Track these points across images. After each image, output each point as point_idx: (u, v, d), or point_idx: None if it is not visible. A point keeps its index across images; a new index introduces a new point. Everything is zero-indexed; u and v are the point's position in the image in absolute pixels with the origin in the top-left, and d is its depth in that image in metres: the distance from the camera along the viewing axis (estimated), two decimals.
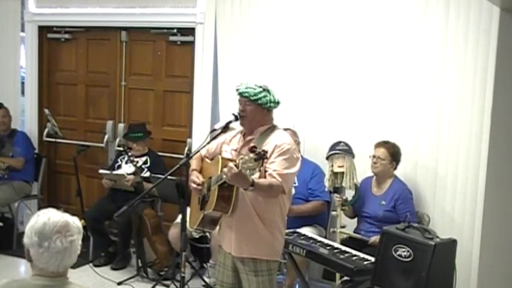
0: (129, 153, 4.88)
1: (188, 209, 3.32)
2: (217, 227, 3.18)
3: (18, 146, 5.49)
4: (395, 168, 4.10)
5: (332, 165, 4.09)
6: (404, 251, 3.12)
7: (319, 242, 3.73)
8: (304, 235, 3.85)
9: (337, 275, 3.83)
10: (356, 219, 4.23)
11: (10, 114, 5.58)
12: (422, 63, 4.12)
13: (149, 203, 4.96)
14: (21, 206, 5.59)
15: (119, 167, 5.07)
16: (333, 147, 4.14)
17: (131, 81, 5.62)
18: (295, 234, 3.84)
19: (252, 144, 2.76)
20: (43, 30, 5.88)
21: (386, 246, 3.21)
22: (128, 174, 4.79)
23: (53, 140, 5.74)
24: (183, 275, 3.25)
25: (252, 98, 2.95)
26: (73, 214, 2.10)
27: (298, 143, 4.18)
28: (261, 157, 2.59)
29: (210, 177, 3.02)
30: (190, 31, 5.17)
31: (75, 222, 2.06)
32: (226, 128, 3.05)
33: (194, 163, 3.20)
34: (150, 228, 4.77)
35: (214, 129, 3.11)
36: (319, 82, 4.55)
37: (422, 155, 4.17)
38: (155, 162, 5.03)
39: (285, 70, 4.65)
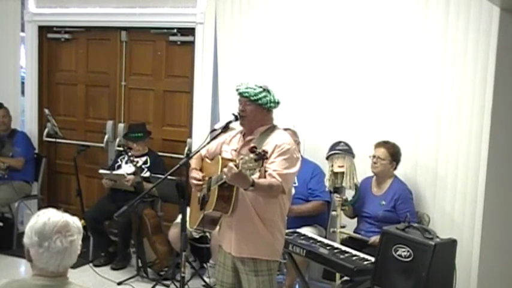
0: (129, 153, 4.88)
1: (188, 209, 3.32)
2: (217, 227, 3.18)
3: (18, 146, 5.49)
4: (395, 168, 4.10)
5: (332, 165, 4.09)
6: (404, 251, 3.12)
7: (319, 242, 3.73)
8: (304, 235, 3.85)
9: (337, 275, 3.83)
10: (356, 219, 4.23)
11: (10, 114, 5.58)
12: (422, 63, 4.12)
13: (149, 203, 4.96)
14: (21, 206, 5.59)
15: (119, 167, 5.07)
16: (333, 147, 4.14)
17: (131, 81, 5.62)
18: (295, 234, 3.84)
19: (252, 145, 2.76)
20: (43, 30, 5.88)
21: (386, 246, 3.21)
22: (128, 174, 4.79)
23: (53, 140, 5.74)
24: (183, 275, 3.25)
25: (252, 98, 2.95)
26: (73, 214, 2.10)
27: (298, 143, 4.18)
28: (261, 157, 2.59)
29: (210, 177, 3.02)
30: (190, 31, 5.17)
31: (75, 222, 2.06)
32: (226, 128, 3.05)
33: (194, 163, 3.20)
34: (150, 228, 4.77)
35: (214, 129, 3.11)
36: (319, 82, 4.55)
37: (422, 155, 4.17)
38: (155, 162, 5.03)
39: (285, 70, 4.65)
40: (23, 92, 6.04)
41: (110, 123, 5.68)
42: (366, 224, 4.08)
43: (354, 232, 4.11)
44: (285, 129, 3.27)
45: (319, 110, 4.57)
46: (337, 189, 4.08)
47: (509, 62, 3.47)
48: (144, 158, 5.04)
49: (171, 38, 5.33)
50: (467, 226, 3.92)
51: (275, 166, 2.85)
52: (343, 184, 4.05)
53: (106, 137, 5.65)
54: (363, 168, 4.20)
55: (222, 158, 2.98)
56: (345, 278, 3.59)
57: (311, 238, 3.80)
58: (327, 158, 4.15)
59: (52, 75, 5.97)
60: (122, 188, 4.90)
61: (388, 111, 4.29)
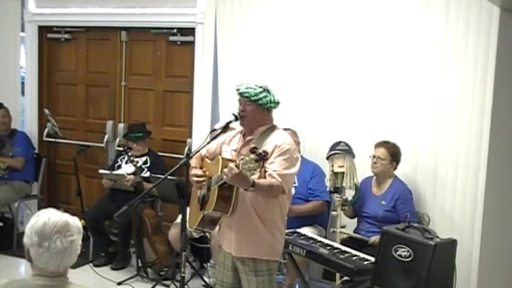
0: (129, 153, 4.88)
1: (188, 209, 3.32)
2: (217, 227, 3.18)
3: (18, 146, 5.49)
4: (395, 168, 4.10)
5: (332, 165, 4.09)
6: (404, 251, 3.12)
7: (319, 242, 3.73)
8: (304, 235, 3.85)
9: (337, 275, 3.83)
10: (356, 219, 4.23)
11: (10, 114, 5.58)
12: (422, 63, 4.12)
13: (149, 203, 4.96)
14: (21, 206, 5.59)
15: (119, 167, 5.07)
16: (333, 147, 4.14)
17: (131, 81, 5.62)
18: (295, 234, 3.84)
19: (252, 145, 2.76)
20: (43, 30, 5.88)
21: (386, 246, 3.21)
22: (128, 174, 4.79)
23: (53, 140, 5.74)
24: (183, 275, 3.25)
25: (252, 98, 2.95)
26: (73, 214, 2.10)
27: (298, 143, 4.18)
28: (262, 158, 2.59)
29: (210, 178, 3.02)
30: (190, 31, 5.17)
31: (75, 222, 2.06)
32: (226, 128, 3.05)
33: (194, 162, 3.20)
34: (150, 228, 4.77)
35: (214, 129, 3.11)
36: (319, 82, 4.55)
37: (422, 155, 4.17)
38: (155, 162, 5.03)
39: (285, 70, 4.65)
40: (23, 92, 6.04)
41: (110, 123, 5.68)
42: (366, 224, 4.08)
43: (354, 232, 4.11)
44: (285, 129, 3.27)
45: (319, 110, 4.57)
46: (337, 189, 4.08)
47: (509, 62, 3.47)
48: (144, 158, 5.04)
49: (171, 38, 5.33)
50: (467, 226, 3.92)
51: (275, 166, 2.85)
52: (343, 184, 4.06)
53: (106, 137, 5.65)
54: (363, 168, 4.20)
55: (222, 158, 2.98)
56: (345, 278, 3.59)
57: (311, 238, 3.80)
58: (327, 158, 4.15)
59: (52, 75, 5.97)
60: (122, 188, 4.90)
61: (388, 111, 4.29)
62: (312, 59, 4.56)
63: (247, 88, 2.97)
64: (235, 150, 3.06)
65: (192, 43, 5.16)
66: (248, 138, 3.04)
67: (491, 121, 3.61)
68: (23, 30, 5.91)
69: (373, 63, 4.32)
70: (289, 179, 2.94)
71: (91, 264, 4.88)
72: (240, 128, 3.12)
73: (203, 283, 4.51)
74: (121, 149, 5.31)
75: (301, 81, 4.61)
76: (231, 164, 2.68)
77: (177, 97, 5.42)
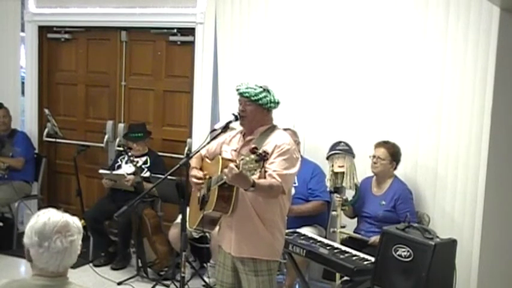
0: (129, 153, 4.88)
1: (188, 209, 3.32)
2: (217, 227, 3.18)
3: (18, 146, 5.49)
4: (395, 168, 4.10)
5: (332, 165, 4.09)
6: (404, 251, 3.12)
7: (319, 242, 3.73)
8: (304, 235, 3.85)
9: (337, 275, 3.83)
10: (356, 219, 4.23)
11: (10, 114, 5.58)
12: (423, 63, 4.12)
13: (149, 203, 4.96)
14: (21, 206, 5.59)
15: (119, 167, 5.07)
16: (333, 147, 4.14)
17: (131, 81, 5.62)
18: (295, 234, 3.84)
19: (253, 146, 2.76)
20: (43, 30, 5.88)
21: (386, 246, 3.21)
22: (128, 174, 4.79)
23: (53, 140, 5.74)
24: (183, 275, 3.25)
25: (252, 98, 2.95)
26: (73, 214, 2.09)
27: (298, 143, 4.18)
28: (262, 158, 2.59)
29: (210, 178, 3.02)
30: (190, 31, 5.17)
31: (75, 222, 2.06)
32: (226, 128, 3.05)
33: (194, 162, 3.20)
34: (150, 228, 4.77)
35: (214, 129, 3.11)
36: (319, 82, 4.55)
37: (422, 155, 4.17)
38: (155, 162, 5.03)
39: (285, 70, 4.65)
40: (23, 92, 6.04)
41: (110, 123, 5.68)
42: (366, 224, 4.08)
43: (354, 232, 4.11)
44: (285, 129, 3.28)
45: (319, 110, 4.57)
46: (337, 189, 4.08)
47: (509, 62, 3.47)
48: (144, 158, 5.04)
49: (171, 38, 5.33)
50: (467, 226, 3.92)
51: (275, 166, 2.85)
52: (344, 184, 4.06)
53: (106, 137, 5.65)
54: (363, 168, 4.20)
55: (222, 158, 2.98)
56: (345, 278, 3.59)
57: (311, 238, 3.80)
58: (327, 158, 4.15)
59: (52, 75, 5.97)
60: (122, 188, 4.90)
61: (388, 111, 4.29)
62: (312, 59, 4.56)
63: (247, 88, 2.97)
64: (235, 150, 3.06)
65: (192, 43, 5.16)
66: (248, 138, 3.04)
67: (491, 121, 3.61)
68: (23, 30, 5.91)
69: (373, 63, 4.32)
70: (289, 179, 2.94)
71: (91, 264, 4.88)
72: (240, 128, 3.12)
73: (203, 283, 4.51)
74: (121, 149, 5.31)
75: (301, 81, 4.61)
76: (231, 164, 2.68)
77: (177, 97, 5.42)
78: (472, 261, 3.84)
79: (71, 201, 5.76)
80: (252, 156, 2.59)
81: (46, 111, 5.71)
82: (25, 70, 6.00)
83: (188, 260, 4.50)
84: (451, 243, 3.20)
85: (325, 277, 4.12)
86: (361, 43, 4.35)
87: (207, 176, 3.08)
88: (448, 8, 3.98)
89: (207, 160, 3.19)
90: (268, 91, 2.99)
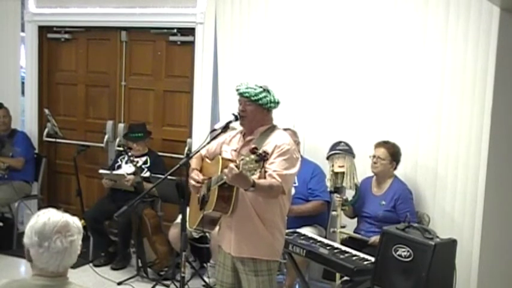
0: (129, 153, 4.88)
1: (188, 209, 3.32)
2: (217, 227, 3.18)
3: (18, 146, 5.49)
4: (395, 168, 4.10)
5: (332, 165, 4.09)
6: (404, 251, 3.12)
7: (319, 242, 3.73)
8: (304, 235, 3.85)
9: (337, 275, 3.83)
10: (356, 219, 4.23)
11: (10, 114, 5.58)
12: (423, 64, 4.12)
13: (149, 203, 4.96)
14: (21, 206, 5.59)
15: (119, 167, 5.07)
16: (333, 147, 4.14)
17: (131, 81, 5.62)
18: (295, 234, 3.84)
19: (253, 146, 2.76)
20: (43, 30, 5.88)
21: (386, 246, 3.21)
22: (128, 174, 4.79)
23: (53, 140, 5.74)
24: (183, 275, 3.25)
25: (252, 98, 2.95)
26: (73, 214, 2.09)
27: (298, 143, 4.18)
28: (262, 158, 2.59)
29: (210, 178, 3.02)
30: (190, 31, 5.17)
31: (75, 222, 2.06)
32: (226, 128, 3.05)
33: (194, 163, 3.20)
34: (150, 228, 4.77)
35: (214, 129, 3.11)
36: (319, 82, 4.55)
37: (422, 155, 4.16)
38: (155, 162, 5.03)
39: (285, 70, 4.65)
40: (23, 92, 6.04)
41: (110, 123, 5.68)
42: (366, 224, 4.08)
43: (354, 232, 4.11)
44: (285, 129, 3.28)
45: (319, 110, 4.57)
46: (338, 189, 4.08)
47: (509, 62, 3.47)
48: (144, 158, 5.04)
49: (171, 38, 5.33)
50: (467, 226, 3.92)
51: (275, 167, 2.85)
52: (344, 184, 4.06)
53: (106, 137, 5.65)
54: (363, 168, 4.20)
55: (222, 158, 2.98)
56: (345, 278, 3.59)
57: (311, 238, 3.80)
58: (327, 158, 4.15)
59: (52, 75, 5.97)
60: (122, 188, 4.90)
61: (388, 111, 4.29)
62: (312, 59, 4.56)
63: (247, 88, 2.97)
64: (235, 150, 3.06)
65: (192, 43, 5.16)
66: (248, 138, 3.04)
67: (491, 121, 3.61)
68: (23, 30, 5.91)
69: (373, 63, 4.32)
70: (289, 180, 2.94)
71: (91, 264, 4.88)
72: (240, 128, 3.12)
73: (203, 283, 4.51)
74: (121, 149, 5.31)
75: (301, 81, 4.61)
76: (231, 164, 2.68)
77: (177, 97, 5.42)
78: (472, 261, 3.83)
79: (71, 201, 5.76)
80: (252, 156, 2.59)
81: (46, 111, 5.71)
82: (25, 70, 6.00)
83: (188, 260, 4.50)
84: (451, 243, 3.20)
85: (325, 277, 4.12)
86: (361, 43, 4.35)
87: (205, 182, 3.07)
88: (448, 8, 3.98)
89: (207, 160, 3.19)
90: (268, 91, 2.99)
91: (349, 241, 3.97)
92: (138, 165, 4.85)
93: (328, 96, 4.52)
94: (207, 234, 4.30)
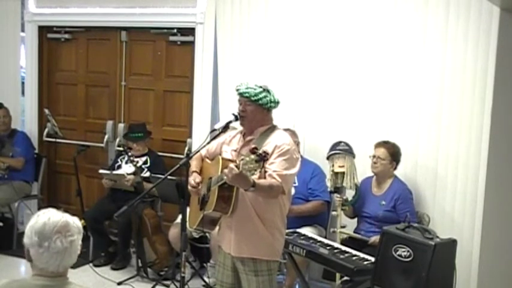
0: (129, 153, 4.87)
1: (188, 209, 3.32)
2: (217, 227, 3.18)
3: (18, 146, 5.49)
4: (395, 168, 4.10)
5: (333, 165, 4.09)
6: (404, 251, 3.12)
7: (319, 242, 3.73)
8: (304, 235, 3.85)
9: (337, 275, 3.83)
10: (356, 219, 4.23)
11: (10, 114, 5.58)
12: (423, 64, 4.12)
13: (149, 203, 4.96)
14: (21, 206, 5.59)
15: (119, 167, 5.07)
16: (333, 147, 4.14)
17: (131, 81, 5.62)
18: (295, 234, 3.84)
19: (253, 146, 2.76)
20: (43, 30, 5.88)
21: (386, 246, 3.21)
22: (128, 174, 4.79)
23: (53, 140, 5.74)
24: (183, 275, 3.25)
25: (252, 98, 2.95)
26: (73, 214, 2.09)
27: (297, 143, 4.18)
28: (262, 158, 2.59)
29: (210, 178, 3.02)
30: (190, 31, 5.17)
31: (75, 222, 2.06)
32: (226, 128, 3.05)
33: (194, 163, 3.20)
34: (150, 228, 4.77)
35: (214, 129, 3.11)
36: (319, 82, 4.55)
37: (422, 155, 4.16)
38: (155, 162, 5.03)
39: (285, 70, 4.65)
40: (23, 92, 6.04)
41: (110, 123, 5.68)
42: (366, 224, 4.08)
43: (354, 232, 4.11)
44: (285, 129, 3.27)
45: (319, 110, 4.57)
46: (338, 189, 4.08)
47: (509, 62, 3.47)
48: (144, 158, 5.04)
49: (171, 38, 5.33)
50: (467, 226, 3.92)
51: (275, 167, 2.85)
52: (344, 184, 4.06)
53: (106, 137, 5.65)
54: (363, 168, 4.20)
55: (223, 159, 2.98)
56: (345, 278, 3.59)
57: (311, 238, 3.80)
58: (328, 158, 4.15)
59: (52, 75, 5.97)
60: (122, 188, 4.90)
61: (388, 111, 4.29)
62: (312, 59, 4.55)
63: (247, 88, 2.97)
64: (235, 151, 3.06)
65: (192, 43, 5.16)
66: (248, 138, 3.04)
67: (491, 121, 3.61)
68: (23, 30, 5.90)
69: (373, 63, 4.32)
70: (289, 180, 2.94)
71: (91, 264, 4.88)
72: (240, 128, 3.12)
73: (203, 283, 4.51)
74: (121, 149, 5.31)
75: (301, 81, 4.61)
76: (231, 165, 2.68)
77: (177, 97, 5.42)
78: (472, 261, 3.83)
79: (71, 201, 5.76)
80: (252, 156, 2.59)
81: (46, 111, 5.71)
82: (25, 70, 6.00)
83: (188, 260, 4.50)
84: (451, 243, 3.20)
85: (325, 277, 4.12)
86: (361, 43, 4.35)
87: (204, 185, 3.07)
88: (448, 8, 3.98)
89: (207, 160, 3.19)
90: (268, 91, 2.99)
91: (349, 241, 3.97)
92: (138, 165, 4.85)
93: (328, 96, 4.52)
94: (207, 234, 4.30)
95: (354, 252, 3.53)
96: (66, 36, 5.81)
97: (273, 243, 3.00)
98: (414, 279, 3.05)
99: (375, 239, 3.84)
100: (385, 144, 4.07)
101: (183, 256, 3.19)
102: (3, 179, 5.29)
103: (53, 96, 5.98)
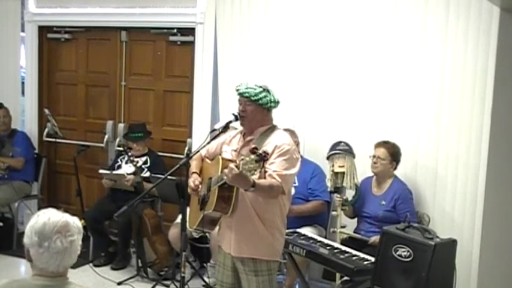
0: (129, 153, 4.88)
1: (188, 209, 3.32)
2: (217, 227, 3.18)
3: (18, 146, 5.49)
4: (395, 168, 4.10)
5: (333, 165, 4.09)
6: (404, 251, 3.12)
7: (319, 242, 3.73)
8: (304, 235, 3.85)
9: (337, 275, 3.83)
10: (356, 219, 4.23)
11: (10, 114, 5.58)
12: (423, 64, 4.12)
13: (149, 203, 4.96)
14: (21, 206, 5.59)
15: (119, 167, 5.07)
16: (333, 147, 4.14)
17: (131, 81, 5.62)
18: (295, 234, 3.84)
19: (253, 146, 2.76)
20: (43, 30, 5.88)
21: (386, 246, 3.21)
22: (128, 174, 4.79)
23: (53, 140, 5.74)
24: (183, 275, 3.25)
25: (252, 98, 2.95)
26: (73, 214, 2.09)
27: (297, 143, 4.18)
28: (262, 158, 2.59)
29: (210, 178, 3.02)
30: (190, 31, 5.17)
31: (75, 222, 2.05)
32: (226, 128, 3.05)
33: (194, 164, 3.20)
34: (150, 228, 4.77)
35: (214, 129, 3.11)
36: (319, 82, 4.55)
37: (422, 155, 4.16)
38: (155, 162, 5.03)
39: (285, 70, 4.65)
40: (23, 92, 6.04)
41: (110, 123, 5.68)
42: (366, 224, 4.08)
43: (354, 232, 4.11)
44: (285, 129, 3.27)
45: (319, 110, 4.57)
46: (338, 189, 4.08)
47: (509, 62, 3.47)
48: (144, 158, 5.04)
49: (171, 38, 5.33)
50: (467, 226, 3.92)
51: (275, 167, 2.85)
52: (344, 184, 4.05)
53: (106, 137, 5.65)
54: (363, 168, 4.20)
55: (223, 159, 2.98)
56: (345, 278, 3.59)
57: (311, 238, 3.80)
58: (328, 158, 4.15)
59: (52, 75, 5.97)
60: (122, 188, 4.90)
61: (388, 111, 4.29)
62: (312, 59, 4.55)
63: (247, 88, 2.97)
64: (235, 151, 3.06)
65: (192, 43, 5.16)
66: (248, 138, 3.04)
67: (491, 121, 3.61)
68: (23, 30, 5.91)
69: (373, 63, 4.32)
70: (289, 180, 2.94)
71: (91, 264, 4.88)
72: (240, 128, 3.12)
73: (203, 283, 4.51)
74: (121, 149, 5.31)
75: (301, 81, 4.61)
76: (231, 165, 2.68)
77: (177, 97, 5.42)
78: (472, 261, 3.83)
79: (71, 201, 5.76)
80: (252, 156, 2.59)
81: (46, 111, 5.71)
82: (25, 70, 6.00)
83: (188, 260, 4.50)
84: (451, 243, 3.20)
85: (325, 277, 4.12)
86: (361, 43, 4.35)
87: (204, 186, 3.07)
88: (448, 8, 3.98)
89: (207, 160, 3.19)
90: (268, 91, 2.99)
91: (349, 241, 3.97)
92: (138, 165, 4.85)
93: (328, 96, 4.52)
94: (207, 234, 4.30)
95: (354, 252, 3.53)
96: (66, 36, 5.81)
97: (273, 243, 3.00)
98: (414, 279, 3.05)
99: (374, 239, 3.84)
100: (385, 144, 4.07)
101: (183, 256, 3.19)
102: (3, 179, 5.29)
103: (53, 96, 5.98)
